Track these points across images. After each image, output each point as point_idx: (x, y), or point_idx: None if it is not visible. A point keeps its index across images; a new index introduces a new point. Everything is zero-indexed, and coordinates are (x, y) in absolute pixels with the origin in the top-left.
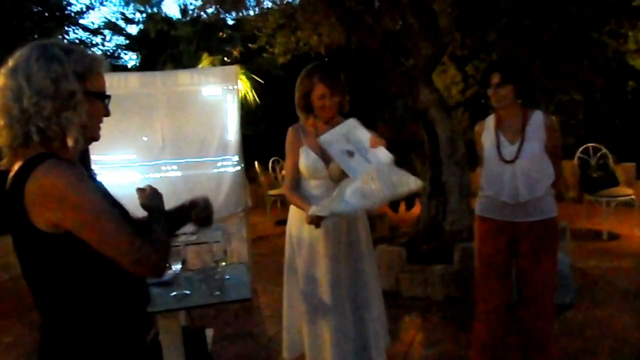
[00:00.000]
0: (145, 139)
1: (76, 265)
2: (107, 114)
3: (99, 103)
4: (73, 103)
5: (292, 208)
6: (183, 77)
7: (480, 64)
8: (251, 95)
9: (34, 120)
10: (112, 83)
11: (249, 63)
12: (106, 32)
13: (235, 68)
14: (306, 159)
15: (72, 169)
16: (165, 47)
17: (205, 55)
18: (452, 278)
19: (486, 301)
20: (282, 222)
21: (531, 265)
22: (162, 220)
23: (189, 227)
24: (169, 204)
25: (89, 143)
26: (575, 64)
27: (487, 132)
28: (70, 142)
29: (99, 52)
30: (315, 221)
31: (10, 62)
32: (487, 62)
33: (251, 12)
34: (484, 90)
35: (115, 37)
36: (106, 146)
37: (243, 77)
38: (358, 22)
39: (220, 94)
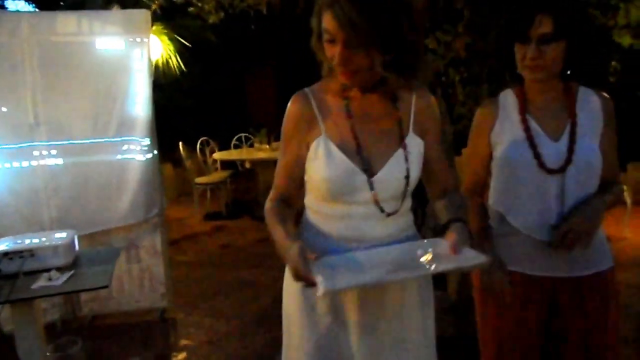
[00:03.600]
0: (4, 110)
1: None
2: None
3: None
4: None
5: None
6: (65, 23)
7: (443, 36)
8: (175, 62)
9: None
10: None
11: (173, 22)
12: None
13: (146, 13)
14: (327, 161)
15: None
16: None
17: (115, 8)
18: (446, 311)
19: None
20: (213, 216)
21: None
22: None
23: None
24: (48, 204)
25: None
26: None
27: (505, 120)
28: None
29: None
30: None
31: None
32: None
33: None
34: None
35: None
36: None
37: (164, 38)
38: None
39: (122, 49)
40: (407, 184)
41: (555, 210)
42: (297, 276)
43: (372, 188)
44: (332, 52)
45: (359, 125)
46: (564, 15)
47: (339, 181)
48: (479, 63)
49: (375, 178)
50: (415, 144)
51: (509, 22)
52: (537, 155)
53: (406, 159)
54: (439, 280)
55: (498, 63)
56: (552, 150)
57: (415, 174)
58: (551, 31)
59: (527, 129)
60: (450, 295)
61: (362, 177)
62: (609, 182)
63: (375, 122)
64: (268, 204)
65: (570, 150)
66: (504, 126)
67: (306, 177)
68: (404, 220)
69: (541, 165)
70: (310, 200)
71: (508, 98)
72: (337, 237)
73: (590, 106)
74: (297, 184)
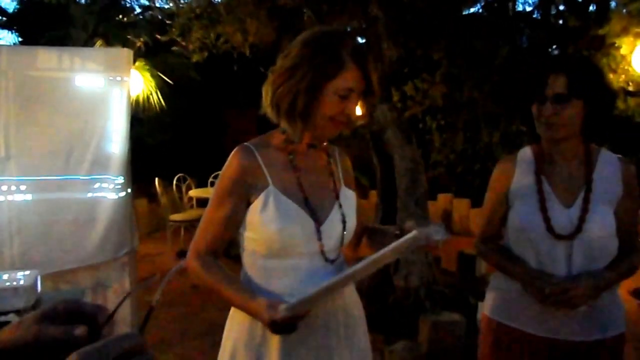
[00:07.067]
0: None
1: None
2: None
3: None
4: None
5: (234, 312)
6: (45, 57)
7: (421, 84)
8: (156, 98)
9: None
10: None
11: (156, 59)
12: None
13: (128, 52)
14: (279, 211)
15: None
16: (51, 29)
17: (100, 43)
18: None
19: None
20: (185, 254)
21: None
22: None
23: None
24: (11, 241)
25: None
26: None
27: (521, 179)
28: None
29: None
30: (287, 321)
31: None
32: (539, 60)
33: None
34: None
35: None
36: None
37: (147, 75)
38: (294, 19)
39: (102, 87)
40: (344, 229)
41: (562, 276)
42: (277, 329)
43: (319, 238)
44: (340, 108)
45: (304, 178)
46: (577, 75)
47: (292, 231)
48: (455, 112)
49: (322, 228)
50: (349, 195)
51: (525, 83)
52: (546, 219)
53: (341, 208)
54: (409, 329)
55: (522, 122)
56: (563, 217)
57: (352, 224)
58: (565, 91)
59: (540, 191)
60: (421, 344)
61: (311, 227)
62: (626, 252)
63: (316, 175)
64: (197, 261)
65: (582, 218)
66: (520, 185)
67: (248, 233)
68: (342, 266)
69: (550, 229)
70: (253, 257)
71: (526, 156)
72: (281, 292)
73: (610, 171)
74: (227, 240)
